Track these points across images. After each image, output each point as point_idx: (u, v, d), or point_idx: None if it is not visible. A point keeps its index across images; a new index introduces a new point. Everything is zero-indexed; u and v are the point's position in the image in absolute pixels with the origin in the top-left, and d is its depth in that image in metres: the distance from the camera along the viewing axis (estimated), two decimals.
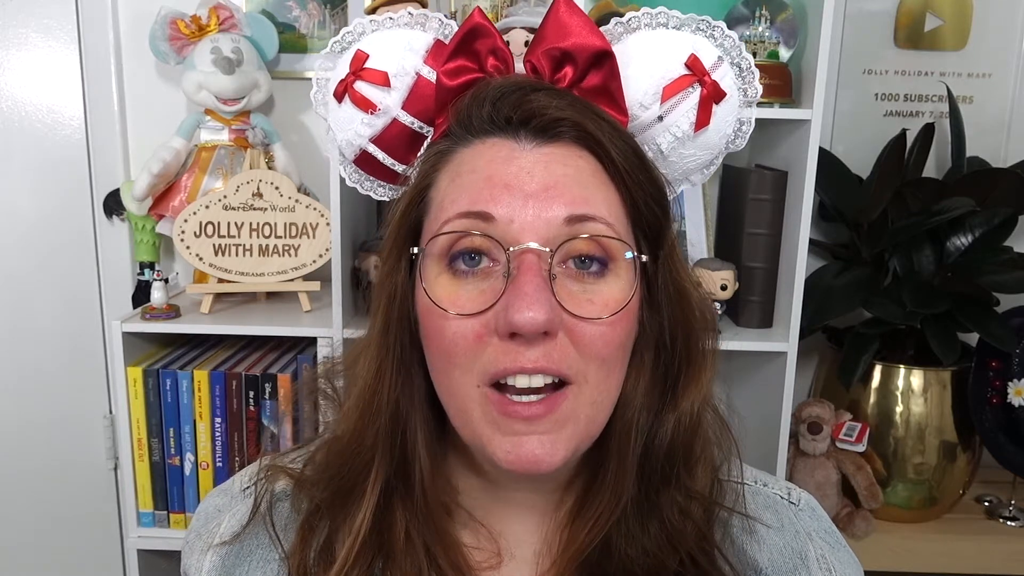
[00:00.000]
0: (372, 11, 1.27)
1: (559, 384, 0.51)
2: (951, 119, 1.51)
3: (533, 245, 0.50)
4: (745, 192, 1.38)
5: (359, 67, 0.59)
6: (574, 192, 0.51)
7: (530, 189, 0.51)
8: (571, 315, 0.50)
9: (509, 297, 0.49)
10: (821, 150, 1.30)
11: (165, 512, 1.40)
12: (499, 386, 0.51)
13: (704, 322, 0.58)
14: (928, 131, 1.50)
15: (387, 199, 0.65)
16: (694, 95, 0.56)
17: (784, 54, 1.35)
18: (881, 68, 1.62)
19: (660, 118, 0.57)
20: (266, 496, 0.61)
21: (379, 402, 0.56)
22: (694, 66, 0.57)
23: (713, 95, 0.57)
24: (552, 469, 0.51)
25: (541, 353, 0.49)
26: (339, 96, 0.60)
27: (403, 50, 0.59)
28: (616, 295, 0.52)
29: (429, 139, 0.60)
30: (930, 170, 1.57)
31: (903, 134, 1.42)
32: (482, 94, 0.54)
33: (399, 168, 0.62)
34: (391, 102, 0.59)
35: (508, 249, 0.50)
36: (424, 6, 1.27)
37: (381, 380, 0.56)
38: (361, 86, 0.59)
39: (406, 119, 0.59)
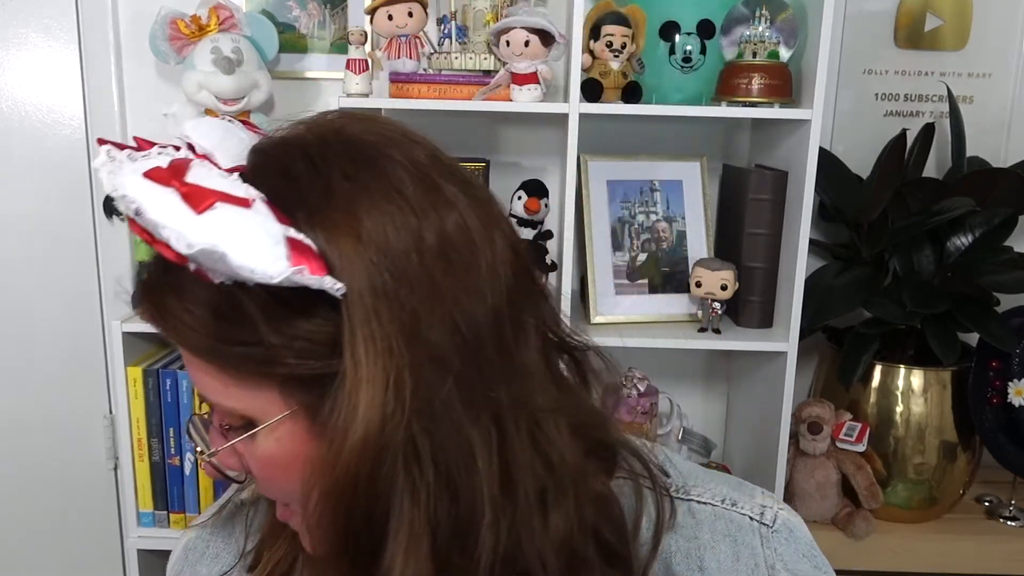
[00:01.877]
0: (372, 11, 1.27)
1: None
2: (951, 119, 1.51)
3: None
4: (745, 192, 1.38)
5: None
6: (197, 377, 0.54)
7: None
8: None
9: None
10: (821, 150, 1.30)
11: (165, 512, 1.40)
12: None
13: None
14: (928, 131, 1.50)
15: None
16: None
17: (784, 54, 1.35)
18: (881, 68, 1.62)
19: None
20: (234, 499, 0.68)
21: None
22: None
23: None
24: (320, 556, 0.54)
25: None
26: None
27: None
28: (257, 451, 0.52)
29: None
30: (930, 170, 1.57)
31: (903, 134, 1.42)
32: None
33: None
34: None
35: None
36: (424, 7, 1.26)
37: None
38: None
39: None
